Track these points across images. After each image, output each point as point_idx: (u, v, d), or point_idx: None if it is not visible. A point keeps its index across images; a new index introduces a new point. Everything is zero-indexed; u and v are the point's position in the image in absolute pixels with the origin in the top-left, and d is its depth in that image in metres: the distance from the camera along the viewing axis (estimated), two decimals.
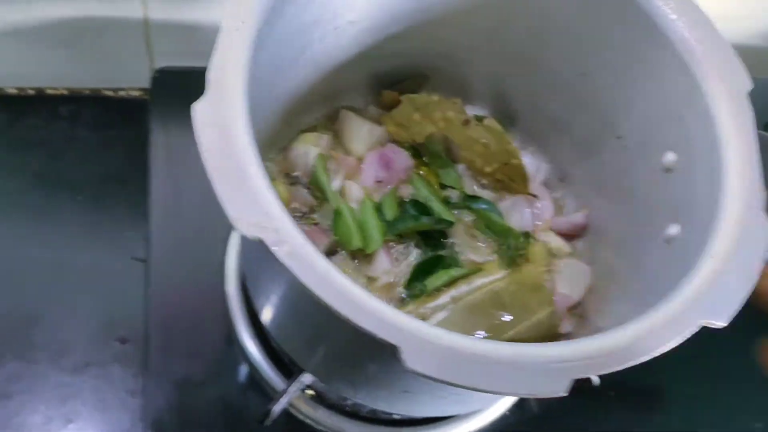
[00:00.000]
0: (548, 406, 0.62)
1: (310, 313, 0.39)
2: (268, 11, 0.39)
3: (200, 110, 0.34)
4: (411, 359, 0.31)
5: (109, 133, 0.78)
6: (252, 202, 0.33)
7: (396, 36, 0.54)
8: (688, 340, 0.35)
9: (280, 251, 0.32)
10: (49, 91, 0.79)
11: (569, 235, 0.57)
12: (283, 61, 0.47)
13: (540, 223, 0.57)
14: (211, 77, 0.36)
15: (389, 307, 0.32)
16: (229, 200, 0.32)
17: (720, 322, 0.35)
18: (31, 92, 0.78)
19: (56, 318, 0.68)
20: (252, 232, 0.32)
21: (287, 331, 0.48)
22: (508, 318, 0.49)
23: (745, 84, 0.43)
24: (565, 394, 0.32)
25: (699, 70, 0.44)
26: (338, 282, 0.32)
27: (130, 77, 0.79)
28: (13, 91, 0.78)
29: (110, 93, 0.80)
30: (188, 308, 0.62)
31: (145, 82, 0.79)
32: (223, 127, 0.34)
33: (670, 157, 0.46)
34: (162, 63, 0.77)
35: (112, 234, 0.72)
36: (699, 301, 0.36)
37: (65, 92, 0.79)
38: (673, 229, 0.45)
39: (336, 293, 0.32)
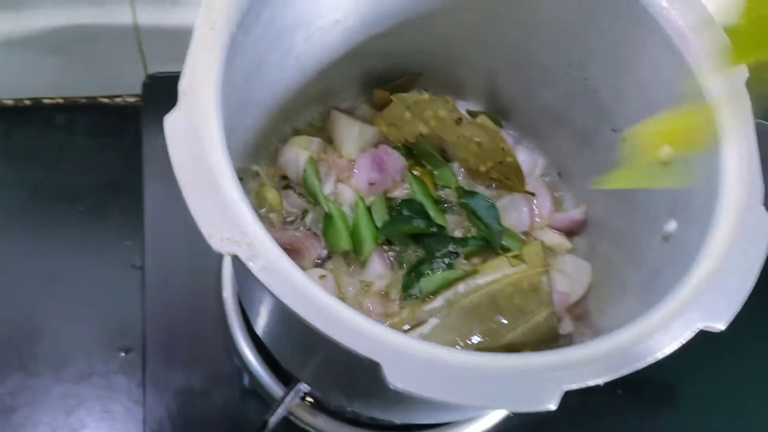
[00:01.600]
0: None
1: (294, 326, 0.38)
2: (242, 15, 0.38)
3: (171, 122, 0.34)
4: (393, 375, 0.30)
5: (106, 141, 0.78)
6: (225, 216, 0.32)
7: (384, 34, 0.52)
8: (699, 335, 0.34)
9: (254, 266, 0.31)
10: (45, 101, 0.78)
11: (568, 232, 0.56)
12: (265, 64, 0.46)
13: (539, 219, 0.56)
14: (182, 87, 0.35)
15: (370, 321, 0.31)
16: (202, 215, 0.32)
17: (719, 326, 0.34)
18: (28, 102, 0.78)
19: (58, 329, 0.68)
20: (225, 248, 0.31)
21: (278, 342, 0.47)
22: (505, 321, 0.48)
23: (742, 73, 0.41)
24: (554, 408, 0.31)
25: (693, 58, 0.42)
26: (316, 296, 0.31)
27: (125, 84, 0.79)
28: (10, 102, 0.78)
29: (106, 100, 0.80)
30: (186, 316, 0.62)
31: (140, 88, 0.79)
32: (194, 140, 0.33)
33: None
34: (156, 68, 0.76)
35: (112, 243, 0.72)
36: (696, 303, 0.34)
37: (61, 101, 0.79)
38: (671, 226, 0.43)
39: (313, 308, 0.31)
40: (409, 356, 0.31)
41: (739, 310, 0.34)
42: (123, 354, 0.67)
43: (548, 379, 0.31)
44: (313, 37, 0.48)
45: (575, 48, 0.49)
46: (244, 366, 0.58)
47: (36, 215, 0.72)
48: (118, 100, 0.80)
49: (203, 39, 0.35)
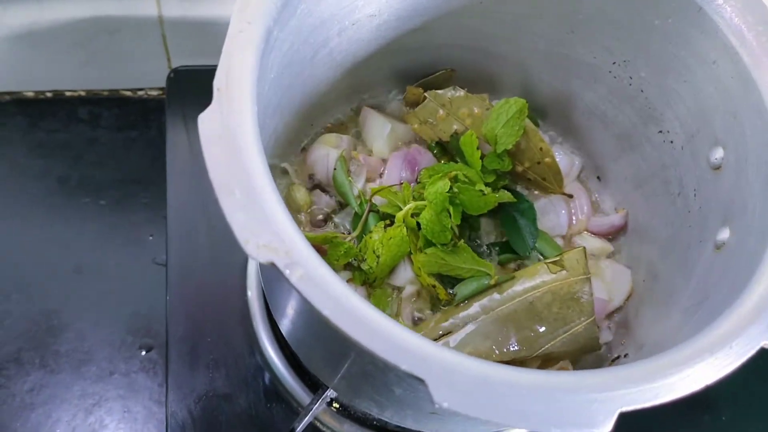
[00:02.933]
0: None
1: (330, 336, 0.36)
2: (278, 10, 0.36)
3: (206, 121, 0.32)
4: (439, 394, 0.28)
5: (130, 134, 0.77)
6: (261, 221, 0.30)
7: (419, 28, 0.51)
8: None
9: (292, 275, 0.29)
10: (68, 93, 0.77)
11: (606, 237, 0.54)
12: (299, 59, 0.44)
13: (576, 222, 0.54)
14: (217, 84, 0.33)
15: (414, 335, 0.30)
16: (237, 220, 0.30)
17: None
18: (49, 95, 0.77)
19: (80, 325, 0.67)
20: (262, 255, 0.29)
21: (308, 349, 0.45)
22: (542, 330, 0.46)
23: None
24: (609, 429, 0.29)
25: (751, 58, 0.40)
26: (357, 308, 0.29)
27: (149, 77, 0.77)
28: (31, 95, 0.76)
29: (129, 93, 0.78)
30: (210, 316, 0.60)
31: (163, 81, 0.77)
32: (230, 140, 0.32)
33: (718, 153, 0.43)
34: (179, 61, 0.75)
35: (135, 238, 0.71)
36: (758, 319, 0.32)
37: (83, 94, 0.78)
38: (723, 234, 0.41)
39: (354, 320, 0.29)
40: (456, 373, 0.29)
41: None
42: (144, 352, 0.66)
43: (602, 399, 0.29)
44: (347, 32, 0.47)
45: (621, 46, 0.47)
46: (269, 369, 0.56)
47: (61, 208, 0.71)
48: (141, 93, 0.79)
49: (239, 34, 0.34)
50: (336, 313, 0.29)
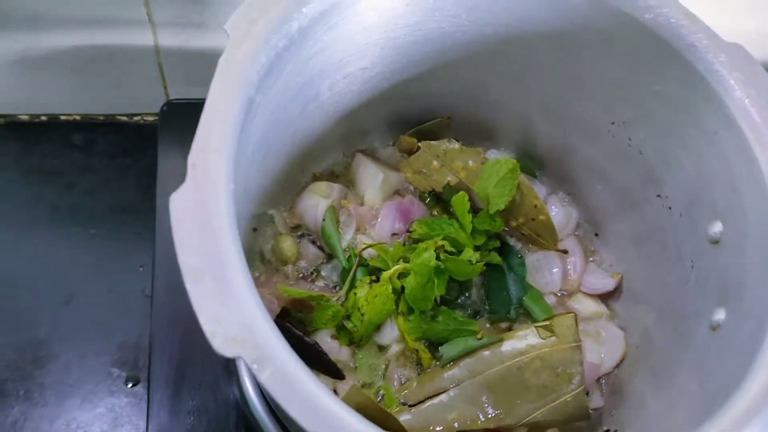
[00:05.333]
0: None
1: None
2: (261, 77, 0.35)
3: (178, 201, 0.31)
4: None
5: (124, 162, 0.75)
6: (232, 310, 0.29)
7: (413, 79, 0.49)
8: None
9: (260, 373, 0.28)
10: (63, 118, 0.76)
11: (600, 297, 0.52)
12: (286, 116, 0.43)
13: (570, 278, 0.53)
14: (192, 160, 0.32)
15: None
16: (205, 310, 0.29)
17: None
18: (44, 119, 0.76)
19: (66, 356, 0.66)
20: (229, 350, 0.28)
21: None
22: (530, 398, 0.44)
23: None
24: None
25: (753, 132, 0.38)
26: (325, 407, 0.28)
27: (145, 103, 0.76)
28: (25, 118, 0.76)
29: (125, 119, 0.77)
30: (194, 354, 0.59)
31: (159, 107, 0.76)
32: (202, 222, 0.30)
33: (717, 227, 0.41)
34: (177, 89, 0.74)
35: (126, 269, 0.70)
36: (753, 419, 0.31)
37: (78, 118, 0.76)
38: (719, 315, 0.39)
39: (322, 421, 0.28)
40: None
41: None
42: (130, 386, 0.65)
43: None
44: (339, 85, 0.45)
45: (621, 106, 0.46)
46: (253, 418, 0.55)
47: (51, 237, 0.70)
48: (137, 118, 0.78)
49: (216, 106, 0.33)
50: (303, 414, 0.28)
